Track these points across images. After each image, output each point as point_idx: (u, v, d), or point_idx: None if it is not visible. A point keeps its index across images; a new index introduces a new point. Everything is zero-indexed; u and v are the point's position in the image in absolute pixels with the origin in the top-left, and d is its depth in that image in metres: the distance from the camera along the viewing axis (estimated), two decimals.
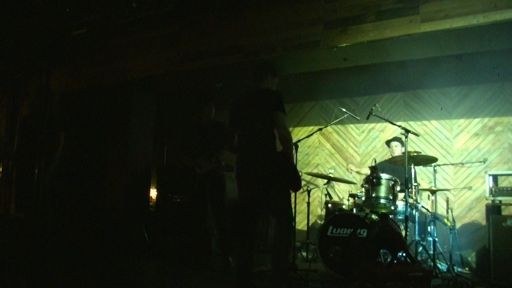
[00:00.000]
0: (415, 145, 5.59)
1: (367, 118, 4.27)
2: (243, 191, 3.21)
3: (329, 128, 5.88)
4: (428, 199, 4.60)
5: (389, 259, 3.26)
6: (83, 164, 5.84)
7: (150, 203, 5.95)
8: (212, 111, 4.34)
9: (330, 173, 5.08)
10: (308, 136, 4.80)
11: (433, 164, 4.43)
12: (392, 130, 5.84)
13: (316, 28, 4.22)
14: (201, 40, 4.93)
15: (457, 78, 5.34)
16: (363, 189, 4.12)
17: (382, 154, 5.95)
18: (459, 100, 5.68)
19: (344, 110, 4.61)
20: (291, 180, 3.06)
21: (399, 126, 4.13)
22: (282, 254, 3.04)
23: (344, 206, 4.59)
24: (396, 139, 5.06)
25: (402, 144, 4.68)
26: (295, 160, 4.17)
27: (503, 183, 4.69)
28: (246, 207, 3.18)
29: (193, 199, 4.23)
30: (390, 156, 4.88)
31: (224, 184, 4.17)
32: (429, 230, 4.19)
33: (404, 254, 3.40)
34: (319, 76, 5.35)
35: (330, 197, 5.17)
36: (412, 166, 4.30)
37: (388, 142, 5.23)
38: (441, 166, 5.27)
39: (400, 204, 4.11)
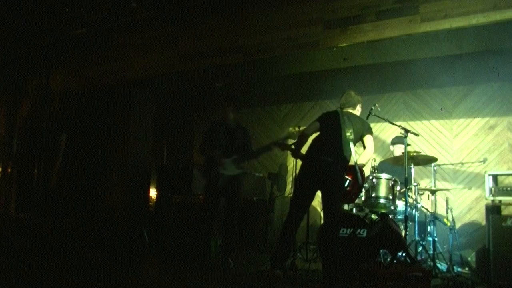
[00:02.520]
0: (415, 145, 5.59)
1: (367, 118, 4.26)
2: (304, 187, 3.66)
3: None
4: (428, 199, 4.60)
5: (389, 259, 3.26)
6: (83, 164, 5.84)
7: (150, 203, 5.95)
8: (230, 115, 4.35)
9: None
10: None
11: (433, 164, 4.43)
12: (392, 130, 5.84)
13: (315, 28, 4.22)
14: (201, 40, 4.93)
15: (457, 78, 5.34)
16: (363, 189, 4.11)
17: (382, 154, 5.96)
18: (459, 100, 5.68)
19: None
20: (355, 193, 3.66)
21: (399, 126, 4.13)
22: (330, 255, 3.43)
23: (344, 206, 4.58)
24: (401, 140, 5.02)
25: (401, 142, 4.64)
26: (295, 160, 4.25)
27: (503, 183, 4.69)
28: (302, 201, 3.68)
29: (207, 196, 4.25)
30: (392, 156, 4.87)
31: (242, 188, 4.29)
32: (429, 230, 4.19)
33: (404, 254, 3.40)
34: (319, 76, 5.35)
35: None
36: (412, 166, 4.30)
37: (394, 143, 5.15)
38: (441, 166, 5.27)
39: (400, 204, 4.10)
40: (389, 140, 5.97)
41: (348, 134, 3.62)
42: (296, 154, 3.84)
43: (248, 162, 4.94)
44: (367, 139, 3.72)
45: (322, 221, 5.06)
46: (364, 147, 3.75)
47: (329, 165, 3.50)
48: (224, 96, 4.44)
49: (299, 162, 3.91)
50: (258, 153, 4.44)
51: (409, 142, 4.04)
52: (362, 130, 3.72)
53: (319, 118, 3.84)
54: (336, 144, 3.60)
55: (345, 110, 3.84)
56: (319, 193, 3.70)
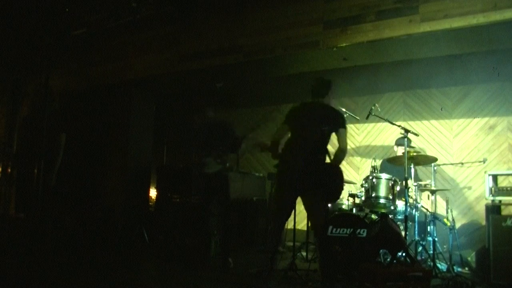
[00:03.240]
0: (414, 144, 5.59)
1: (367, 118, 4.27)
2: (285, 189, 3.41)
3: None
4: (428, 199, 4.60)
5: (389, 259, 3.26)
6: (83, 164, 5.84)
7: (150, 203, 5.95)
8: (209, 113, 4.30)
9: None
10: None
11: (433, 164, 4.43)
12: (392, 130, 5.84)
13: (315, 28, 4.22)
14: (201, 40, 4.93)
15: (457, 78, 5.34)
16: (363, 189, 4.12)
17: (382, 154, 5.96)
18: (459, 100, 5.68)
19: (344, 110, 4.60)
20: (336, 192, 3.33)
21: (399, 126, 4.13)
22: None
23: (343, 206, 4.59)
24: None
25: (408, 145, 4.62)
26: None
27: (503, 183, 4.68)
28: (284, 203, 3.45)
29: (197, 197, 4.24)
30: (393, 156, 4.88)
31: (229, 185, 4.21)
32: (428, 230, 4.19)
33: (404, 254, 3.39)
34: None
35: None
36: (411, 166, 4.31)
37: (399, 144, 5.13)
38: (441, 166, 5.27)
39: (400, 204, 4.10)
40: (389, 140, 5.99)
41: (320, 126, 3.32)
42: (276, 157, 3.64)
43: (239, 157, 4.86)
44: (340, 133, 3.35)
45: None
46: (338, 142, 3.39)
47: (307, 164, 3.28)
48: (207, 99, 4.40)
49: None
50: (244, 147, 4.29)
51: (412, 144, 4.03)
52: (335, 122, 3.37)
53: (285, 119, 3.58)
54: (309, 141, 3.34)
55: (315, 100, 3.52)
56: None
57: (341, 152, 3.37)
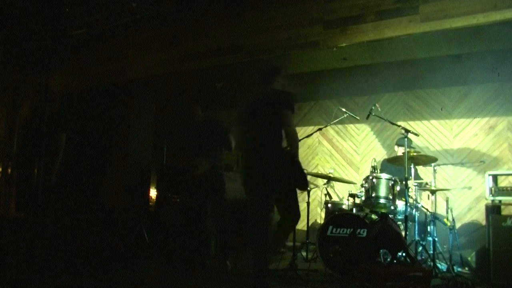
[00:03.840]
0: (415, 145, 5.59)
1: (367, 118, 4.27)
2: (250, 190, 3.30)
3: (329, 128, 5.88)
4: (428, 199, 4.60)
5: (389, 259, 3.26)
6: (83, 164, 5.84)
7: (150, 203, 5.95)
8: (198, 112, 4.23)
9: (330, 173, 5.08)
10: (308, 136, 4.80)
11: (433, 164, 4.43)
12: (392, 130, 5.84)
13: (315, 28, 4.22)
14: (201, 40, 4.93)
15: (457, 78, 5.34)
16: (363, 189, 4.12)
17: (382, 154, 5.96)
18: (459, 100, 5.68)
19: (344, 110, 4.61)
20: (298, 180, 3.12)
21: (399, 126, 4.13)
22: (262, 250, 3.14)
23: (344, 206, 4.59)
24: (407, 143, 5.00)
25: (409, 145, 4.62)
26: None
27: (503, 183, 4.69)
28: (254, 204, 3.28)
29: (192, 199, 4.21)
30: (394, 156, 4.88)
31: (223, 184, 4.11)
32: (429, 230, 4.19)
33: (404, 254, 3.39)
34: (319, 76, 5.35)
35: (330, 197, 5.17)
36: (412, 166, 4.31)
37: (399, 144, 5.12)
38: (441, 166, 5.27)
39: (400, 204, 4.10)
40: (389, 140, 5.99)
41: (264, 117, 3.12)
42: None
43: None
44: (283, 114, 3.06)
45: (322, 221, 5.07)
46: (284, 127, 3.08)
47: (263, 160, 3.14)
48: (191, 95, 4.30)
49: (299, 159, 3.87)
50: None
51: (412, 144, 4.02)
52: (276, 105, 3.10)
53: (234, 122, 3.46)
54: (261, 137, 3.18)
55: (261, 89, 3.36)
56: (318, 192, 3.69)
57: (289, 137, 3.08)
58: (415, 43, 3.93)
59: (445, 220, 4.25)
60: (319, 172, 6.07)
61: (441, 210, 4.93)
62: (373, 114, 4.18)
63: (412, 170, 4.35)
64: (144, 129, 5.80)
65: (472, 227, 5.23)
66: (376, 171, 4.22)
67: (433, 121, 5.80)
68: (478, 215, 5.25)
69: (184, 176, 4.15)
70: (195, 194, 4.13)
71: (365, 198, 4.04)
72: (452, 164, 5.44)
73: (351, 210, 4.37)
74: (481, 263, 3.91)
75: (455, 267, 3.95)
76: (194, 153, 4.10)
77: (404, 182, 3.94)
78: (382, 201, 3.93)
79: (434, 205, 4.44)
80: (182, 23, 5.10)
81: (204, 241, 4.21)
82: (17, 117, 6.48)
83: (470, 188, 5.42)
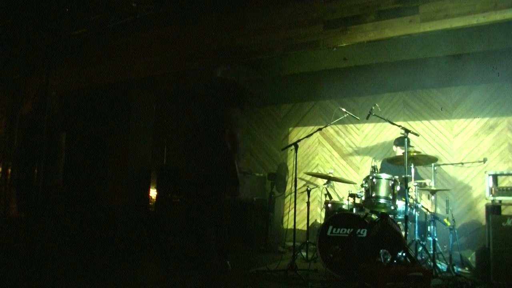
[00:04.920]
0: (415, 145, 5.59)
1: (367, 118, 4.27)
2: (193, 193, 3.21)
3: (329, 128, 5.88)
4: (428, 199, 4.60)
5: (389, 259, 3.26)
6: (83, 164, 5.84)
7: (150, 203, 5.95)
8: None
9: (330, 173, 5.08)
10: (308, 136, 4.79)
11: (433, 164, 4.44)
12: (392, 130, 5.85)
13: (315, 28, 4.22)
14: (201, 40, 4.93)
15: (457, 78, 5.34)
16: (363, 189, 4.12)
17: (382, 154, 5.96)
18: (459, 100, 5.68)
19: (344, 110, 4.60)
20: (229, 187, 3.05)
21: (399, 126, 4.13)
22: None
23: (344, 206, 4.59)
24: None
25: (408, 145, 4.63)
26: (294, 160, 4.19)
27: (503, 183, 4.69)
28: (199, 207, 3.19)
29: (188, 199, 4.20)
30: (393, 156, 4.88)
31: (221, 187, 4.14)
32: (429, 230, 4.19)
33: (404, 254, 3.39)
34: (319, 76, 5.35)
35: (330, 197, 5.17)
36: (412, 166, 4.31)
37: (397, 144, 5.13)
38: (441, 166, 5.27)
39: (400, 204, 4.10)
40: (389, 140, 5.99)
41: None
42: None
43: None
44: (232, 112, 2.73)
45: (322, 221, 5.07)
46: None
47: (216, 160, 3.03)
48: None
49: (299, 163, 3.90)
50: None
51: (411, 143, 4.03)
52: (226, 99, 2.76)
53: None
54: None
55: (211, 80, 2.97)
56: (318, 192, 3.69)
57: (230, 141, 2.91)
58: (415, 43, 3.93)
59: (445, 220, 4.25)
60: (319, 172, 6.07)
61: (441, 210, 4.93)
62: (373, 114, 4.18)
63: (412, 170, 4.35)
64: (144, 129, 5.80)
65: (472, 227, 5.23)
66: (376, 171, 4.22)
67: (433, 121, 5.80)
68: (478, 215, 5.26)
69: (182, 175, 4.13)
70: (191, 195, 4.13)
71: (365, 198, 4.04)
72: (452, 164, 5.44)
73: (351, 210, 4.37)
74: (481, 263, 3.91)
75: (455, 267, 3.95)
76: (193, 153, 4.09)
77: (404, 182, 3.94)
78: (382, 201, 3.93)
79: (434, 205, 4.44)
80: (182, 23, 5.10)
81: (202, 241, 4.20)
82: (17, 117, 6.48)
83: (470, 188, 5.43)
